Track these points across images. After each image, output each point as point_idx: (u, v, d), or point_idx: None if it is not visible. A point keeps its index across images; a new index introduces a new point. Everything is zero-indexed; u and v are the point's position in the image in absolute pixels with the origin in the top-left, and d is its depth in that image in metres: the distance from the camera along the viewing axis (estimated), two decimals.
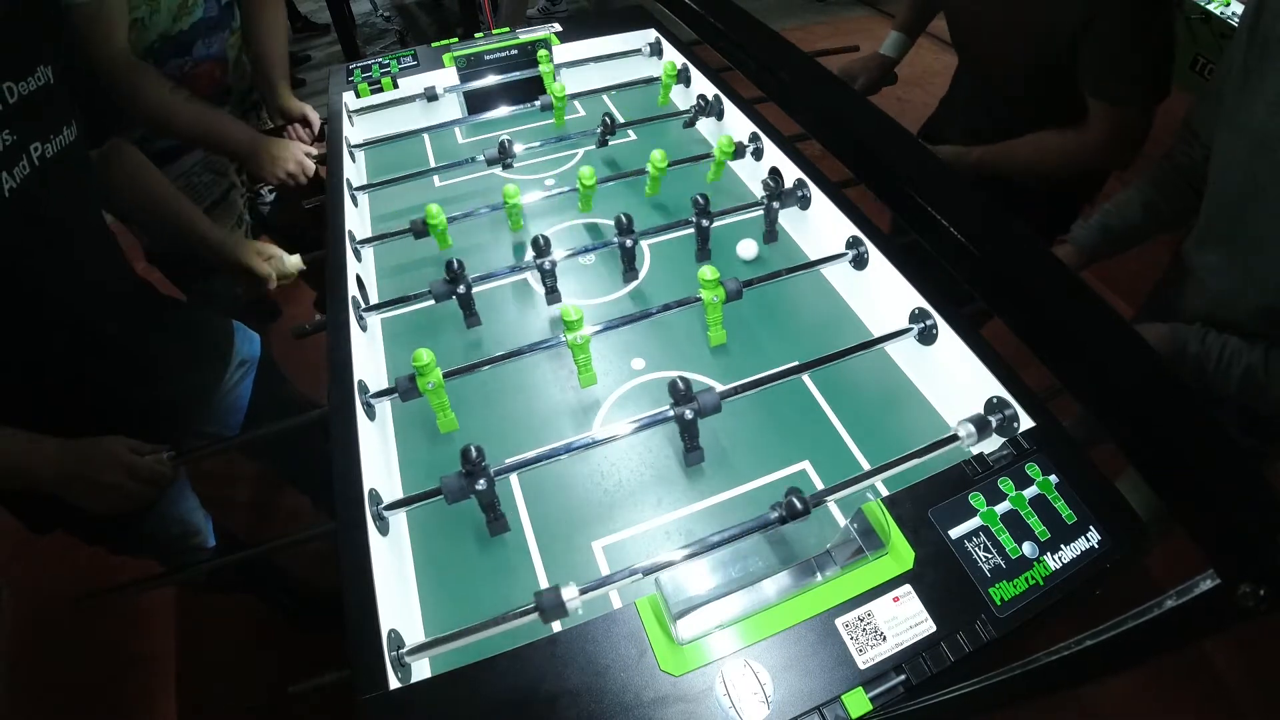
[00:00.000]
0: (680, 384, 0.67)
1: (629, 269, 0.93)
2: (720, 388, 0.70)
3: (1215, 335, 0.86)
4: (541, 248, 0.87)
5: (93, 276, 0.87)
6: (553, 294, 0.90)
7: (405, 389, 0.72)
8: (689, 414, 0.67)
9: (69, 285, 0.82)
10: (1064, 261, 1.02)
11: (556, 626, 0.59)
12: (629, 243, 0.90)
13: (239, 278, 1.07)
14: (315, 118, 1.37)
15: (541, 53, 1.24)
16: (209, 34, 1.22)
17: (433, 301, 0.85)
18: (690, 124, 1.18)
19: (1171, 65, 0.97)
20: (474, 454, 0.62)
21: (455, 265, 0.84)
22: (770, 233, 0.98)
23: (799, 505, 0.56)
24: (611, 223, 0.90)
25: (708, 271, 0.77)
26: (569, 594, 0.52)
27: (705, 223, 0.92)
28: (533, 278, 0.96)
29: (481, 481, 0.62)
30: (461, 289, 0.84)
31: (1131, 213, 1.01)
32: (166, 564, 1.13)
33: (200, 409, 1.06)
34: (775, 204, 0.94)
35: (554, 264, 0.87)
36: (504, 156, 1.07)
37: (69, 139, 0.80)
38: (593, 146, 1.18)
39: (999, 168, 1.11)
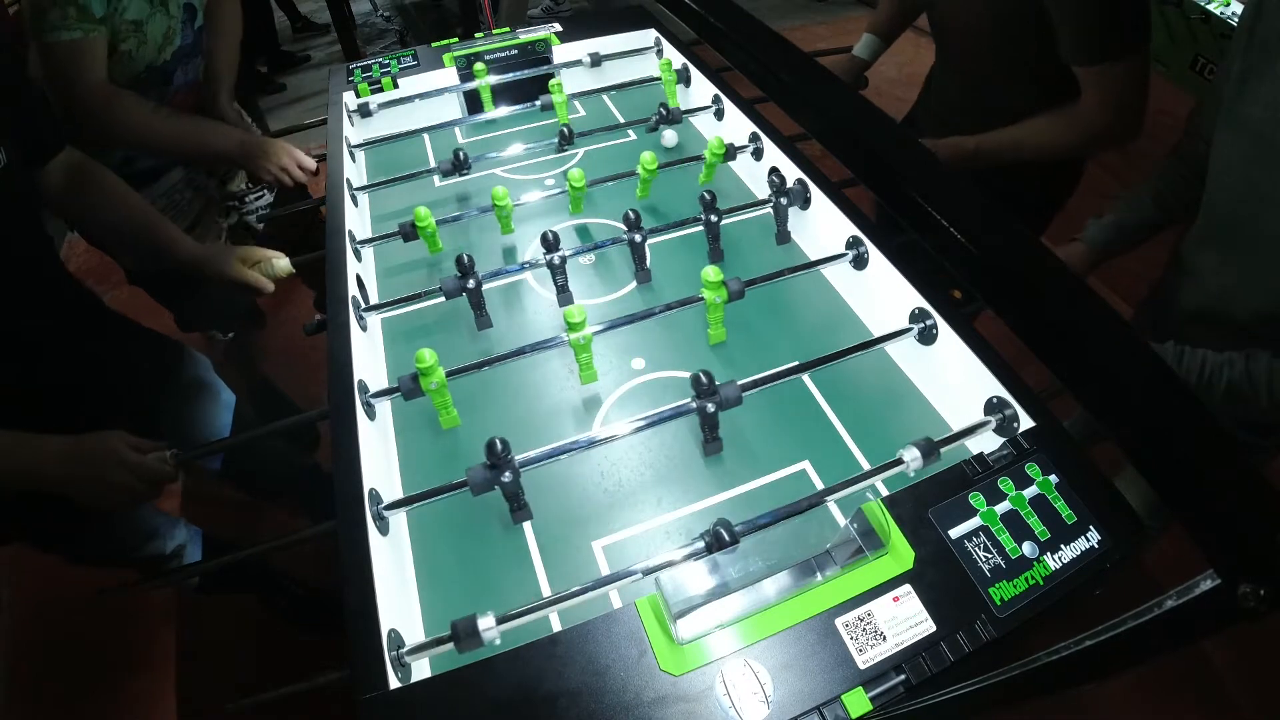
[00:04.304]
0: (703, 378, 0.67)
1: (640, 267, 0.92)
2: (740, 381, 0.70)
3: (1191, 353, 0.84)
4: (551, 243, 0.86)
5: (22, 294, 0.88)
6: (564, 293, 0.90)
7: (409, 389, 0.72)
8: (711, 407, 0.68)
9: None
10: (1076, 259, 1.02)
11: (557, 625, 0.59)
12: (638, 238, 0.89)
13: (232, 290, 1.07)
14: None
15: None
16: (186, 61, 1.24)
17: (439, 300, 0.85)
18: (653, 129, 1.18)
19: (1147, 7, 0.94)
20: (499, 447, 0.62)
21: (466, 260, 0.84)
22: (782, 233, 0.97)
23: (726, 536, 0.55)
24: (605, 224, 0.90)
25: (711, 272, 0.78)
26: (485, 624, 0.52)
27: (714, 219, 0.92)
28: (533, 278, 0.96)
29: (507, 474, 0.63)
30: (471, 284, 0.84)
31: (1143, 207, 1.01)
32: (134, 569, 1.14)
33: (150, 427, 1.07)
34: (784, 200, 0.94)
35: (564, 259, 0.87)
36: (459, 168, 1.06)
37: None
38: (593, 146, 1.18)
39: (1000, 154, 1.08)
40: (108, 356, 1.02)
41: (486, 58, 1.29)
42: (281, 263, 1.07)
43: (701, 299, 0.80)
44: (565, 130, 1.11)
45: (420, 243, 0.97)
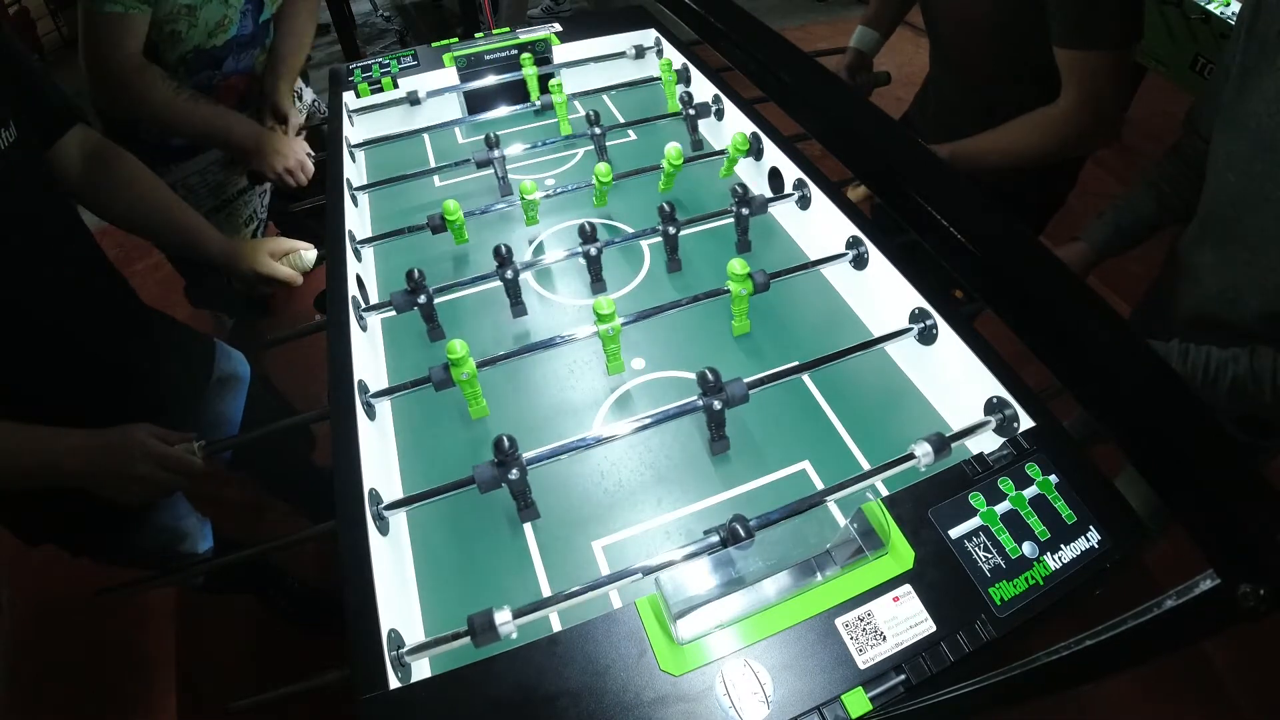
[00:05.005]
0: (709, 375, 0.67)
1: (596, 278, 0.92)
2: (746, 379, 0.70)
3: (1196, 350, 0.84)
4: (504, 257, 0.85)
5: (52, 279, 0.84)
6: (517, 306, 0.89)
7: (440, 379, 0.73)
8: (717, 405, 0.68)
9: (20, 287, 0.80)
10: (1077, 259, 1.01)
11: (557, 625, 0.59)
12: (594, 251, 0.89)
13: (258, 285, 1.05)
14: (295, 120, 1.36)
15: (524, 56, 1.23)
16: (240, 50, 1.27)
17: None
18: (698, 144, 1.17)
19: (1140, 7, 0.93)
20: (506, 444, 0.62)
21: (416, 275, 0.83)
22: (742, 242, 0.96)
23: (741, 532, 0.56)
24: (630, 216, 0.89)
25: (737, 265, 0.78)
26: (501, 617, 0.52)
27: (672, 230, 0.91)
28: (532, 278, 0.96)
29: (514, 471, 0.63)
30: (423, 299, 0.83)
31: (1142, 206, 1.00)
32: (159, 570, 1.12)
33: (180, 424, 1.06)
34: (745, 210, 0.93)
35: (516, 273, 0.86)
36: (491, 148, 1.05)
37: (7, 141, 0.77)
38: (593, 147, 1.18)
39: (972, 161, 1.05)
40: (140, 350, 0.99)
41: (486, 58, 1.29)
42: (311, 254, 1.05)
43: (726, 291, 0.80)
44: (592, 114, 1.12)
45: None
